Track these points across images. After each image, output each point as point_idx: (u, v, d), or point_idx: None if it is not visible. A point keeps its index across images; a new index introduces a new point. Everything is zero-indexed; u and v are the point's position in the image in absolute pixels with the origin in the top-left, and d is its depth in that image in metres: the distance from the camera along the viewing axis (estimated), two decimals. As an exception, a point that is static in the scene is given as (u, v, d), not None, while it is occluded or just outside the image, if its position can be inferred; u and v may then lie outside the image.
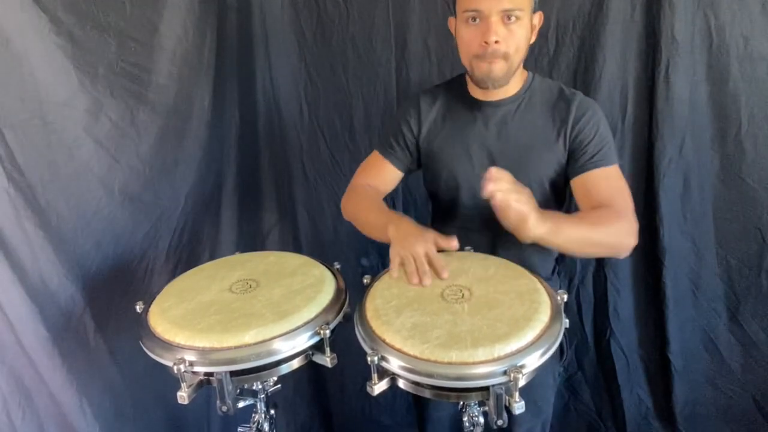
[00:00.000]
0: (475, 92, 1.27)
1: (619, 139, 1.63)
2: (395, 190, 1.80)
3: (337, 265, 1.23)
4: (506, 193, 0.95)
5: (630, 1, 1.50)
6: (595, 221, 1.10)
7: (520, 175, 1.22)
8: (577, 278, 1.79)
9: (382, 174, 1.37)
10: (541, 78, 1.29)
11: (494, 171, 0.97)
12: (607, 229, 1.10)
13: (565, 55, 1.60)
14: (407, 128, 1.33)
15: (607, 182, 1.19)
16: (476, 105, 1.27)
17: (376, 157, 1.38)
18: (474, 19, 1.13)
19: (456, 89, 1.32)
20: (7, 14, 1.27)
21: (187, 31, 1.53)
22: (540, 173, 1.25)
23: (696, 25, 1.47)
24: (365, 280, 1.12)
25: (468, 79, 1.28)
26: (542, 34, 1.58)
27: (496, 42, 1.11)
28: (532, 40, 1.20)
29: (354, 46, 1.69)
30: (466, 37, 1.16)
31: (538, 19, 1.20)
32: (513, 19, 1.11)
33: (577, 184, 1.21)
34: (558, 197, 1.31)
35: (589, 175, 1.19)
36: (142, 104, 1.50)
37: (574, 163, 1.22)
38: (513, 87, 1.24)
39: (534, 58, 1.61)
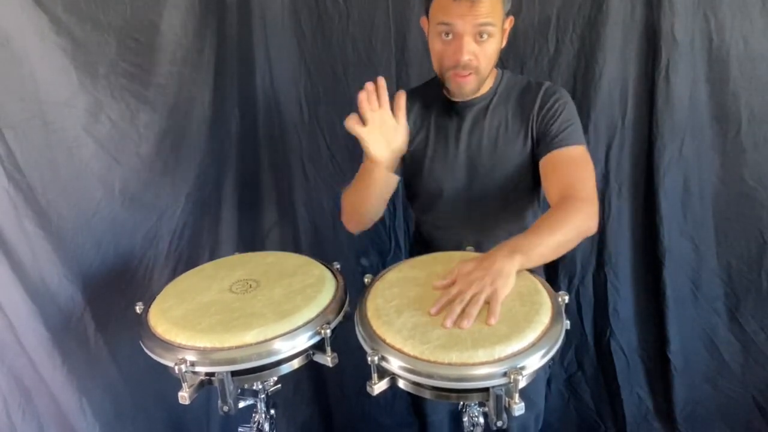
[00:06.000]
0: (449, 93, 1.30)
1: (619, 139, 1.63)
2: (395, 190, 1.81)
3: (337, 265, 1.23)
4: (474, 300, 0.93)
5: (630, 1, 1.50)
6: (554, 224, 1.07)
7: (496, 169, 1.27)
8: (577, 278, 1.80)
9: None
10: (510, 74, 1.32)
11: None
12: (567, 226, 1.07)
13: (565, 55, 1.60)
14: None
15: (571, 164, 1.18)
16: (450, 105, 1.30)
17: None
18: (447, 34, 1.15)
19: (432, 91, 1.34)
20: (7, 14, 1.27)
21: (187, 31, 1.53)
22: (515, 164, 1.27)
23: (696, 25, 1.48)
24: (366, 280, 1.12)
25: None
26: (542, 34, 1.59)
27: (469, 59, 1.14)
28: (503, 45, 1.22)
29: (354, 46, 1.68)
30: (438, 51, 1.19)
31: (508, 23, 1.22)
32: (485, 36, 1.13)
33: (543, 165, 1.22)
34: (536, 185, 1.31)
35: (553, 155, 1.19)
36: (142, 104, 1.50)
37: (540, 144, 1.23)
38: (485, 86, 1.27)
39: (534, 58, 1.61)
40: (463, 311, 0.91)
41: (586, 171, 1.19)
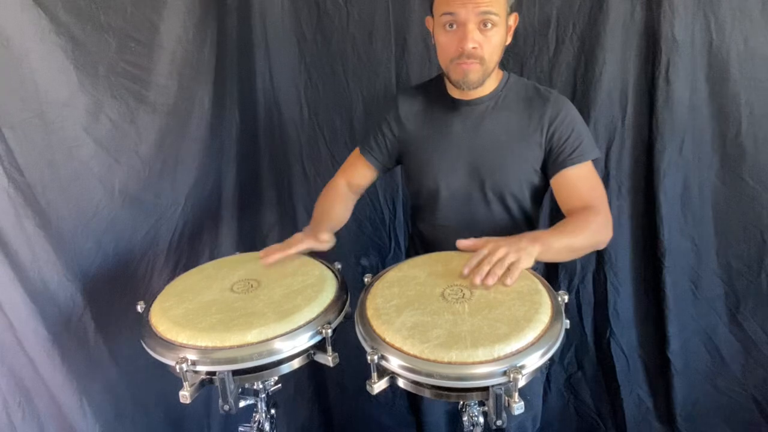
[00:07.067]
0: (453, 91, 1.30)
1: (619, 139, 1.63)
2: (395, 189, 1.82)
3: (337, 265, 1.23)
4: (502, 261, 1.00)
5: (630, 1, 1.50)
6: (575, 229, 1.14)
7: (497, 171, 1.27)
8: (577, 278, 1.80)
9: (358, 170, 1.43)
10: (516, 77, 1.32)
11: (476, 248, 1.04)
12: (586, 233, 1.15)
13: (565, 55, 1.60)
14: (387, 128, 1.37)
15: (584, 180, 1.23)
16: (454, 103, 1.30)
17: (356, 154, 1.44)
18: (451, 25, 1.15)
19: (434, 89, 1.35)
20: (7, 14, 1.26)
21: (187, 31, 1.53)
22: (517, 169, 1.28)
23: (696, 25, 1.48)
24: (366, 279, 1.12)
25: (446, 78, 1.31)
26: (542, 34, 1.59)
27: (473, 48, 1.14)
28: (508, 41, 1.22)
29: (354, 46, 1.69)
30: (444, 43, 1.19)
31: (513, 20, 1.22)
32: (489, 25, 1.14)
33: (556, 182, 1.25)
34: (536, 194, 1.33)
35: (566, 173, 1.23)
36: (142, 104, 1.50)
37: (552, 161, 1.25)
38: (489, 86, 1.27)
39: (534, 58, 1.61)
40: (488, 271, 0.99)
41: (600, 186, 1.24)
